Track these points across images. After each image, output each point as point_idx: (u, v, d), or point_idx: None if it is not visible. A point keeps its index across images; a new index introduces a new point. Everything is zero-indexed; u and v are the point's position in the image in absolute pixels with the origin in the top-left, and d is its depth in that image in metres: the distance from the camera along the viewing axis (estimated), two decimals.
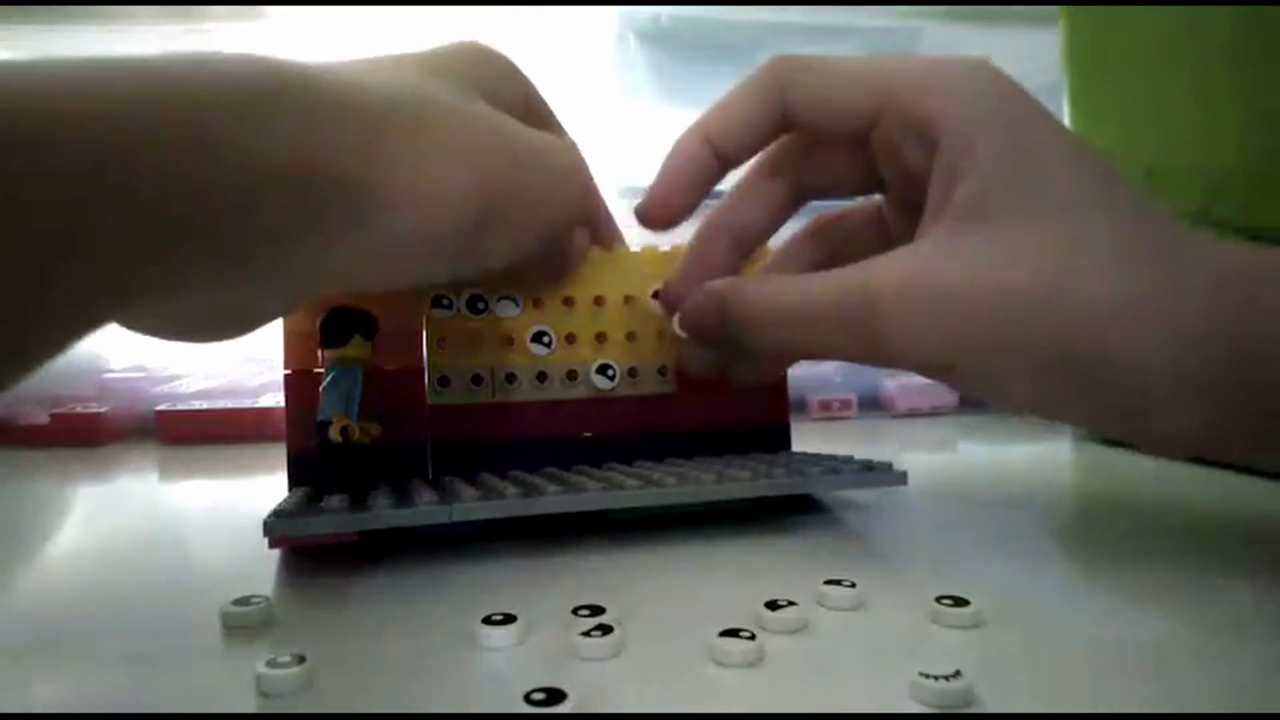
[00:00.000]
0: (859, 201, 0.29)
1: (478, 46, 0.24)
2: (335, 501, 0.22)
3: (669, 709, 0.15)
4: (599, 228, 0.29)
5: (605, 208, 0.30)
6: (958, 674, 0.15)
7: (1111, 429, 0.23)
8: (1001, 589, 0.21)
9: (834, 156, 0.27)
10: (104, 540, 0.28)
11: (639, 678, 0.16)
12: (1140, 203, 0.22)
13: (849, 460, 0.28)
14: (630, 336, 0.30)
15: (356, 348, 0.24)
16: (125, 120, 0.14)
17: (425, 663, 0.17)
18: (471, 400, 0.28)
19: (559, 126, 0.27)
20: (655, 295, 0.30)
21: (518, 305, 0.29)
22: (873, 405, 0.55)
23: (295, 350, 0.26)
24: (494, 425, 0.28)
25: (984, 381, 0.22)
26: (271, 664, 0.16)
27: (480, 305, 0.28)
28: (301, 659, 0.16)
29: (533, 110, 0.25)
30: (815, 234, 0.29)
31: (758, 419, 0.31)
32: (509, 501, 0.23)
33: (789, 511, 0.27)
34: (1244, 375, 0.20)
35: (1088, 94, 0.43)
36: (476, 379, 0.28)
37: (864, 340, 0.23)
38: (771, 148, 0.27)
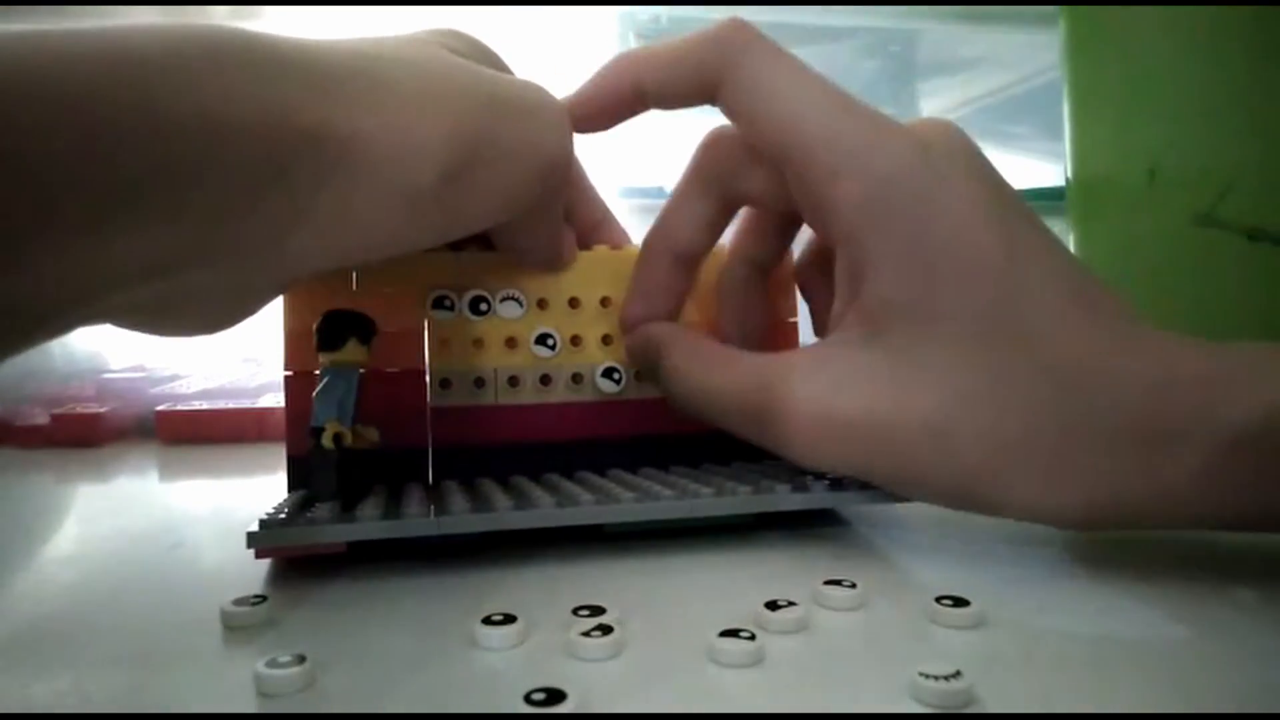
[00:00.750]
0: None
1: (451, 28, 0.24)
2: (323, 511, 0.22)
3: (669, 709, 0.15)
4: (585, 205, 0.29)
5: (590, 188, 0.29)
6: (958, 674, 0.15)
7: None
8: (1001, 589, 0.21)
9: (760, 162, 0.26)
10: (104, 540, 0.28)
11: (639, 678, 0.16)
12: (1057, 319, 0.21)
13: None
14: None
15: (352, 351, 0.24)
16: (71, 83, 0.14)
17: (425, 663, 0.17)
18: (474, 403, 0.28)
19: None
20: None
21: (522, 306, 0.28)
22: None
23: (296, 352, 0.26)
24: (496, 429, 0.28)
25: (885, 488, 0.23)
26: (271, 664, 0.16)
27: (483, 306, 0.28)
28: (301, 659, 0.16)
29: None
30: (759, 232, 0.29)
31: None
32: (499, 514, 0.22)
33: (790, 514, 0.27)
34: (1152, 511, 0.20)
35: (1088, 94, 0.43)
36: (479, 381, 0.28)
37: (767, 438, 0.24)
38: (701, 157, 0.27)
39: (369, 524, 0.21)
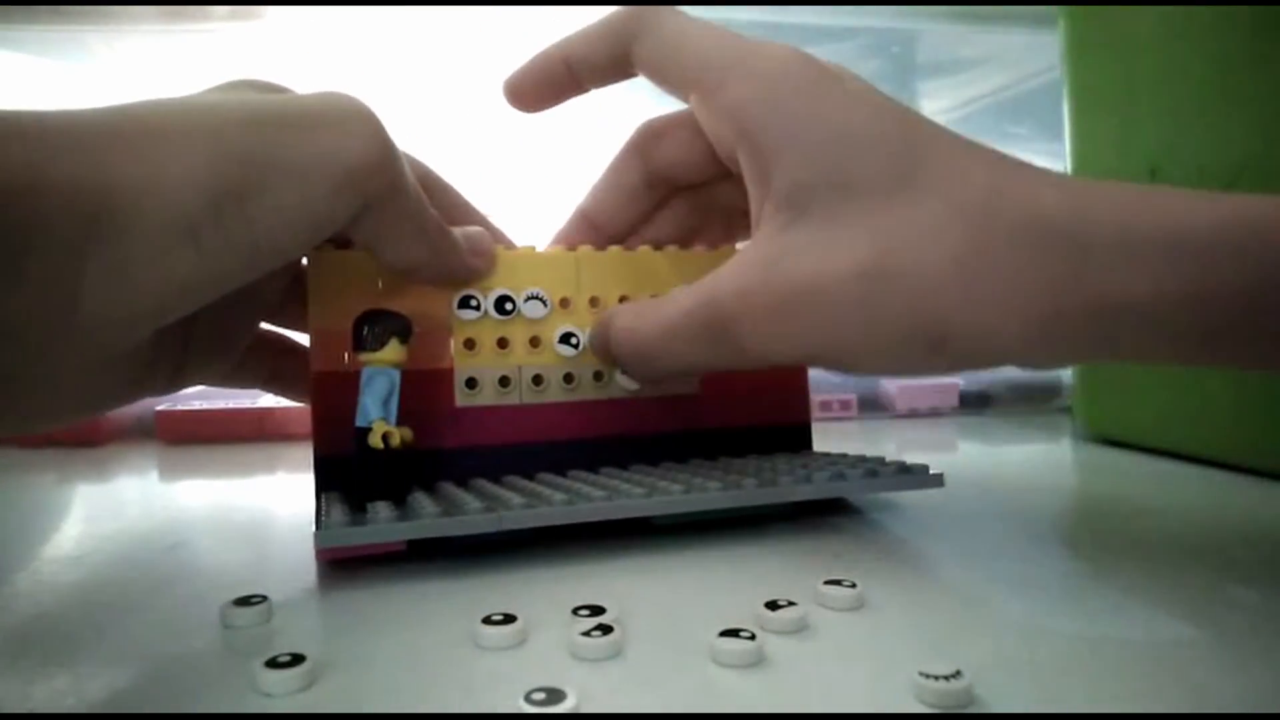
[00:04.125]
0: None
1: (245, 78, 0.24)
2: (383, 510, 0.22)
3: (669, 709, 0.15)
4: (449, 212, 0.27)
5: (453, 192, 0.29)
6: (958, 674, 0.15)
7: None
8: (1002, 589, 0.21)
9: (681, 136, 0.28)
10: (104, 540, 0.28)
11: (639, 678, 0.16)
12: (961, 160, 0.22)
13: (883, 462, 0.28)
14: None
15: (393, 351, 0.24)
16: None
17: (425, 663, 0.17)
18: (499, 402, 0.28)
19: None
20: None
21: (546, 306, 0.29)
22: (873, 405, 0.55)
23: (324, 351, 0.26)
24: (521, 427, 0.28)
25: (846, 364, 0.23)
26: (271, 664, 0.16)
27: (508, 306, 0.28)
28: (301, 659, 0.16)
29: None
30: (679, 205, 0.31)
31: (780, 419, 0.32)
32: (555, 509, 0.23)
33: (797, 512, 0.27)
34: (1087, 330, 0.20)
35: (1088, 94, 0.43)
36: (504, 380, 0.28)
37: (725, 350, 0.24)
38: (630, 138, 0.30)
39: (432, 521, 0.22)
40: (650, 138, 0.29)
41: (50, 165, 0.18)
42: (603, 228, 0.30)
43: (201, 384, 0.27)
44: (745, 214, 0.25)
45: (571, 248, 0.30)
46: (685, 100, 0.26)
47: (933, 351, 0.21)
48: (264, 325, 0.29)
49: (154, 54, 0.56)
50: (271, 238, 0.20)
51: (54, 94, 0.55)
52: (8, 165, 0.17)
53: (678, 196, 0.31)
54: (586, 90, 0.29)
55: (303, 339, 0.29)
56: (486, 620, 0.18)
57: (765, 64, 0.24)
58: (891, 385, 0.55)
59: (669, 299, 0.26)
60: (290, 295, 0.28)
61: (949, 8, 0.68)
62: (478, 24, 0.57)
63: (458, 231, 0.27)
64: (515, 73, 0.29)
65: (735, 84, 0.24)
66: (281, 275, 0.27)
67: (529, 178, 0.50)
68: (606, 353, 0.28)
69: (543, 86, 0.28)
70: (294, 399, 0.31)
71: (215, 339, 0.27)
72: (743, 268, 0.23)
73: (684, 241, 0.31)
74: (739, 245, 0.32)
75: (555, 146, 0.52)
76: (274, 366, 0.30)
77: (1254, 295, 0.19)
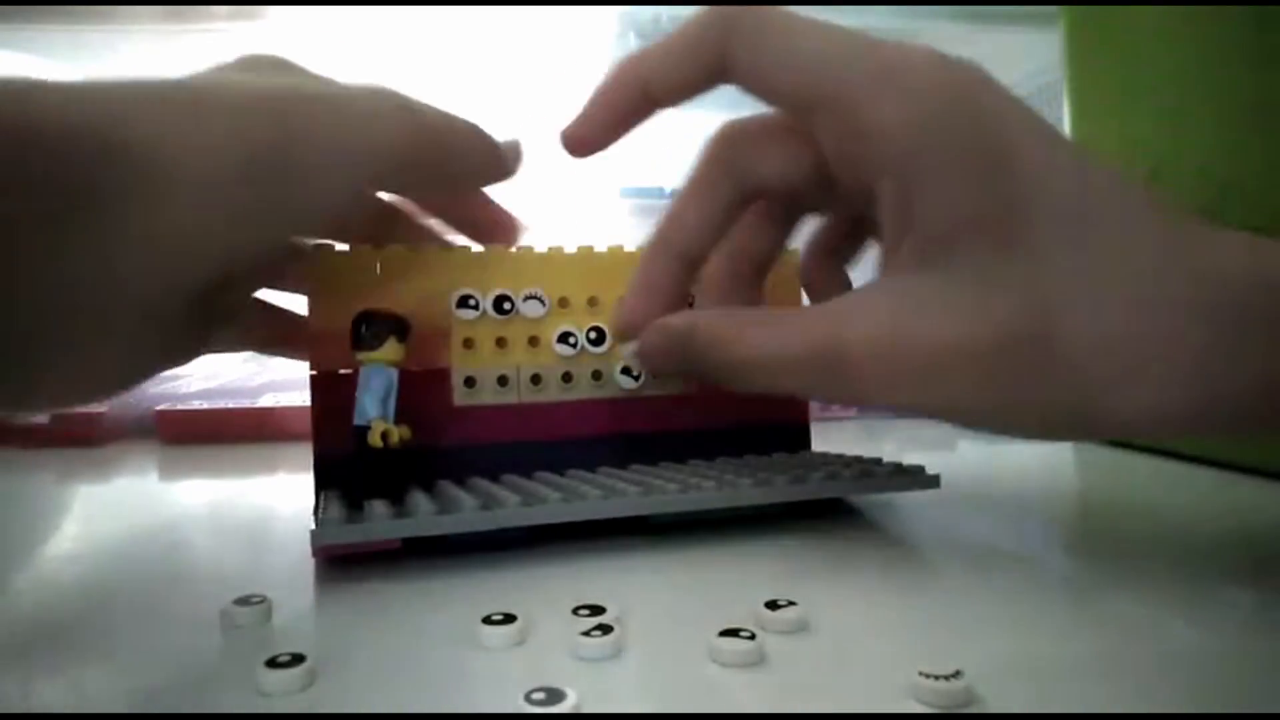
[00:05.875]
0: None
1: (266, 54, 0.24)
2: (379, 508, 0.22)
3: (669, 709, 0.15)
4: (480, 157, 0.27)
5: (478, 138, 0.27)
6: (958, 674, 0.15)
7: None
8: (1001, 589, 0.21)
9: (786, 146, 0.24)
10: (104, 540, 0.28)
11: (639, 678, 0.16)
12: (1136, 217, 0.20)
13: (878, 462, 0.28)
14: None
15: (391, 350, 0.24)
16: None
17: (425, 663, 0.17)
18: (497, 401, 0.28)
19: None
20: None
21: (544, 305, 0.29)
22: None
23: (323, 350, 0.26)
24: (519, 426, 0.28)
25: (978, 426, 0.21)
26: (271, 664, 0.16)
27: (507, 305, 0.28)
28: (301, 659, 0.16)
29: None
30: (760, 225, 0.27)
31: (778, 418, 0.32)
32: (551, 507, 0.23)
33: (794, 513, 0.27)
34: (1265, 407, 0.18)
35: (1088, 94, 0.43)
36: (503, 380, 0.28)
37: (840, 391, 0.22)
38: (711, 148, 0.25)
39: (428, 519, 0.22)
40: (743, 146, 0.25)
41: (97, 123, 0.18)
42: (694, 258, 0.26)
43: (216, 352, 0.28)
44: (841, 228, 0.24)
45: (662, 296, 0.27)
46: (802, 118, 0.23)
47: (1081, 424, 0.20)
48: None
49: (154, 54, 0.56)
50: (302, 212, 0.21)
51: None
52: (60, 120, 0.17)
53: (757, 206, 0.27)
54: (660, 110, 0.25)
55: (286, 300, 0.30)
56: (486, 620, 0.18)
57: (914, 78, 0.20)
58: None
59: (780, 320, 0.23)
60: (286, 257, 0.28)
61: (949, 7, 0.68)
62: (476, 24, 0.57)
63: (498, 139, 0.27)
64: (582, 113, 0.25)
65: (879, 102, 0.20)
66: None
67: (531, 177, 0.50)
68: (676, 356, 0.24)
69: (618, 120, 0.25)
70: (293, 357, 0.30)
71: (233, 306, 0.27)
72: (875, 313, 0.21)
73: (767, 258, 0.28)
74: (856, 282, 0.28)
75: (557, 146, 0.52)
76: (271, 327, 0.30)
77: None
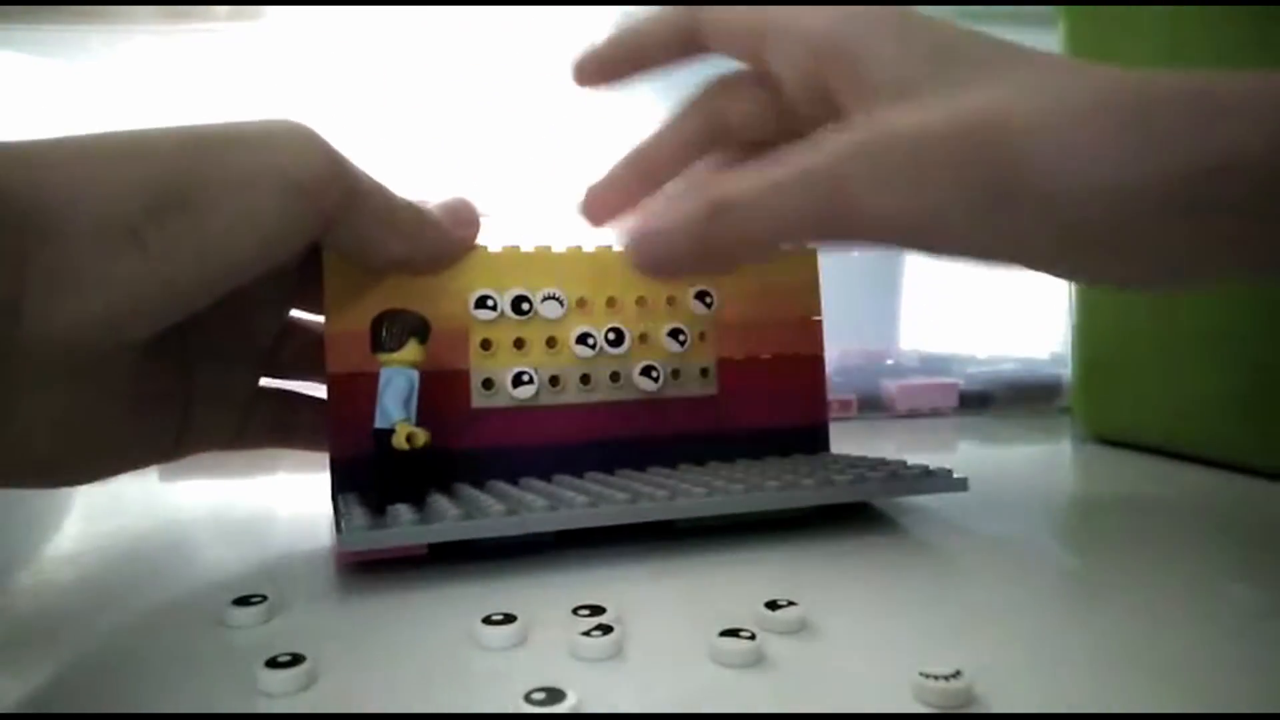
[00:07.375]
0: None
1: None
2: (405, 513, 0.22)
3: (669, 709, 0.15)
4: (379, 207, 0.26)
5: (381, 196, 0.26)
6: (958, 674, 0.15)
7: (1088, 266, 0.22)
8: (1002, 588, 0.21)
9: (755, 93, 0.27)
10: (104, 539, 0.28)
11: (639, 678, 0.16)
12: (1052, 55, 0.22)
13: (905, 465, 0.28)
14: (674, 336, 0.30)
15: (413, 351, 0.24)
16: None
17: (425, 663, 0.17)
18: (515, 404, 0.28)
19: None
20: (698, 296, 0.30)
21: (563, 306, 0.28)
22: (873, 405, 0.55)
23: (342, 352, 0.26)
24: (538, 428, 0.28)
25: (956, 240, 0.22)
26: (271, 664, 0.16)
27: (525, 306, 0.28)
28: (301, 659, 0.16)
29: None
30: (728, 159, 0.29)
31: (797, 420, 0.31)
32: (578, 511, 0.23)
33: (820, 516, 0.27)
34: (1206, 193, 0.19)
35: None
36: (520, 381, 0.28)
37: (837, 205, 0.22)
38: (697, 91, 0.29)
39: (455, 524, 0.22)
40: (722, 92, 0.28)
41: None
42: (654, 173, 0.29)
43: (209, 449, 0.27)
44: None
45: (621, 188, 0.29)
46: (757, 55, 0.25)
47: (1041, 216, 0.20)
48: (264, 382, 0.28)
49: (154, 54, 0.56)
50: (221, 246, 0.21)
51: (54, 94, 0.55)
52: None
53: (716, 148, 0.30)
54: (650, 70, 0.28)
55: (305, 388, 0.29)
56: (486, 620, 0.18)
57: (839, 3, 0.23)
58: (891, 385, 0.55)
59: (773, 159, 0.23)
60: (282, 343, 0.28)
61: (949, 8, 0.68)
62: (476, 24, 0.57)
63: (437, 206, 0.26)
64: (627, 27, 0.29)
65: (812, 14, 0.23)
66: (271, 322, 0.28)
67: (538, 177, 0.50)
68: (689, 215, 0.23)
69: (658, 45, 0.28)
70: (308, 449, 0.29)
71: (215, 397, 0.26)
72: (853, 126, 0.22)
73: None
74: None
75: (560, 147, 0.52)
76: (281, 419, 0.29)
77: None
